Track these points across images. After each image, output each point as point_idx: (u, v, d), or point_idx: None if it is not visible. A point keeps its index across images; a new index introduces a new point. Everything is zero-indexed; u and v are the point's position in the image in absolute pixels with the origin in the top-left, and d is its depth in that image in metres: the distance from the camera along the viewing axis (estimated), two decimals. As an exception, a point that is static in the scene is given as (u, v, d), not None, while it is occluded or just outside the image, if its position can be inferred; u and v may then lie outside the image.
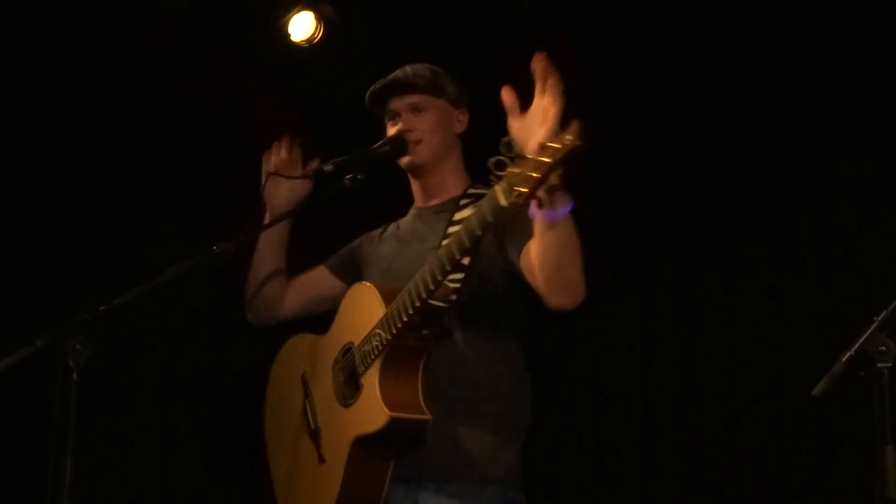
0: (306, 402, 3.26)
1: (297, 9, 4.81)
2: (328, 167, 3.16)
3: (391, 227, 3.35)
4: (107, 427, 4.97)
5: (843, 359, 2.70)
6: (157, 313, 4.94)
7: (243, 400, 4.99)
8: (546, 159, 2.38)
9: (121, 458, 5.11)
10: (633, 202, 4.86)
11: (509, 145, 2.48)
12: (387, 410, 2.87)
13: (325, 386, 3.17)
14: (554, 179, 2.40)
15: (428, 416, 2.89)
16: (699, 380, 4.73)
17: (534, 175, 2.38)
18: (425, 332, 2.93)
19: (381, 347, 2.94)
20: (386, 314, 2.94)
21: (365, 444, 2.95)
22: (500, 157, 2.46)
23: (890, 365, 2.69)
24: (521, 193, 2.40)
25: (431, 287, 2.84)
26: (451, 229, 3.06)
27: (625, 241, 4.86)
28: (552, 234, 2.62)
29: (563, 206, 2.55)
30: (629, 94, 4.81)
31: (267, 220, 3.34)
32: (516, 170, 2.42)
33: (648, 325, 4.88)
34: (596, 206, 4.83)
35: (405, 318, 2.88)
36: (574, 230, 2.63)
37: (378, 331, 2.95)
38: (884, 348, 2.69)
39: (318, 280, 3.43)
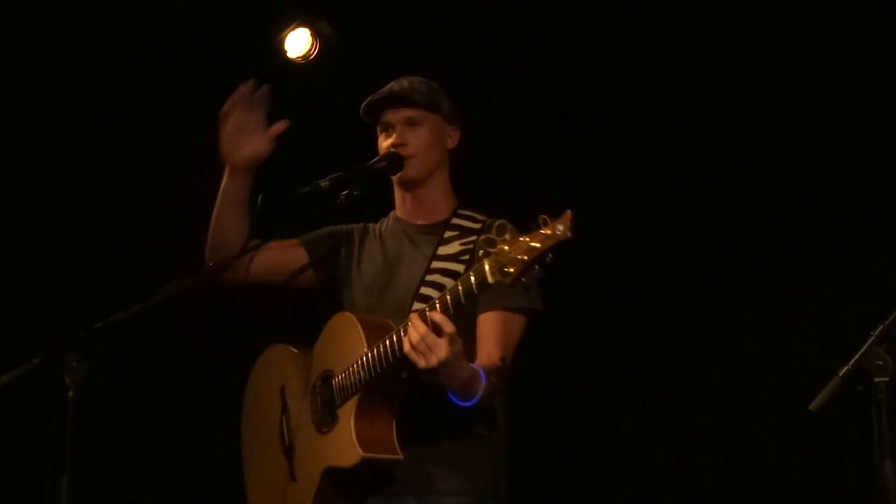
0: (283, 416, 3.27)
1: (293, 26, 4.82)
2: (325, 183, 3.15)
3: (371, 231, 3.35)
4: (104, 445, 4.96)
5: (841, 373, 2.70)
6: (154, 330, 4.92)
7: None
8: (536, 245, 2.53)
9: (118, 476, 5.10)
10: (637, 208, 4.86)
11: (501, 227, 2.64)
12: (360, 450, 2.91)
13: (303, 407, 3.20)
14: (538, 267, 2.56)
15: (399, 457, 2.94)
16: (699, 394, 4.72)
17: (523, 258, 2.55)
18: (404, 374, 2.94)
19: (359, 385, 2.98)
20: (369, 355, 2.96)
21: (335, 476, 3.00)
22: (491, 236, 2.61)
23: (887, 379, 2.69)
24: (507, 274, 2.57)
25: None
26: (436, 264, 3.12)
27: (627, 252, 4.86)
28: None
29: (468, 401, 2.88)
30: (626, 98, 4.83)
31: (225, 178, 3.24)
32: (506, 248, 2.57)
33: (648, 340, 4.87)
34: (601, 209, 4.88)
35: (385, 365, 2.91)
36: (484, 398, 2.91)
37: (359, 370, 2.98)
38: (881, 363, 2.69)
39: (284, 246, 3.30)
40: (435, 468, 3.03)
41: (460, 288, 2.73)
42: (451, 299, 2.76)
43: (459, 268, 3.07)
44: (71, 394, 2.65)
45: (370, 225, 3.37)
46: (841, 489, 4.30)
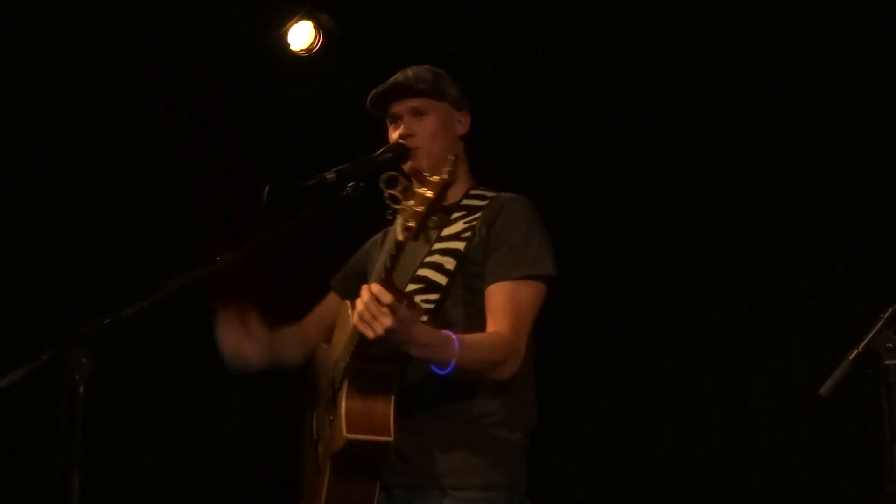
0: (314, 412, 3.30)
1: (296, 18, 4.82)
2: (330, 176, 3.14)
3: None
4: (113, 440, 4.97)
5: (851, 357, 2.70)
6: (162, 325, 4.93)
7: (249, 412, 5.01)
8: (430, 194, 2.59)
9: (127, 472, 5.11)
10: (636, 198, 4.86)
11: (392, 180, 2.69)
12: (345, 433, 2.89)
13: (323, 398, 3.22)
14: (437, 213, 2.62)
15: (389, 439, 2.89)
16: (705, 378, 4.73)
17: (419, 210, 2.59)
18: (388, 353, 2.92)
19: (347, 369, 2.97)
20: (349, 336, 2.97)
21: (338, 461, 2.98)
22: (393, 192, 2.67)
23: (897, 362, 2.69)
24: (410, 228, 2.61)
25: None
26: (437, 245, 3.10)
27: (626, 237, 4.87)
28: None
29: (444, 368, 2.84)
30: (627, 104, 4.83)
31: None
32: (410, 202, 2.62)
33: (653, 323, 4.87)
34: (601, 206, 4.88)
35: (357, 343, 2.90)
36: (468, 368, 2.88)
37: (344, 353, 3.00)
38: (891, 345, 2.69)
39: (331, 306, 3.43)
40: (459, 460, 2.99)
41: (385, 254, 2.76)
42: (382, 268, 2.79)
43: (460, 245, 3.05)
44: (80, 389, 2.65)
45: (390, 228, 3.38)
46: (848, 472, 4.30)
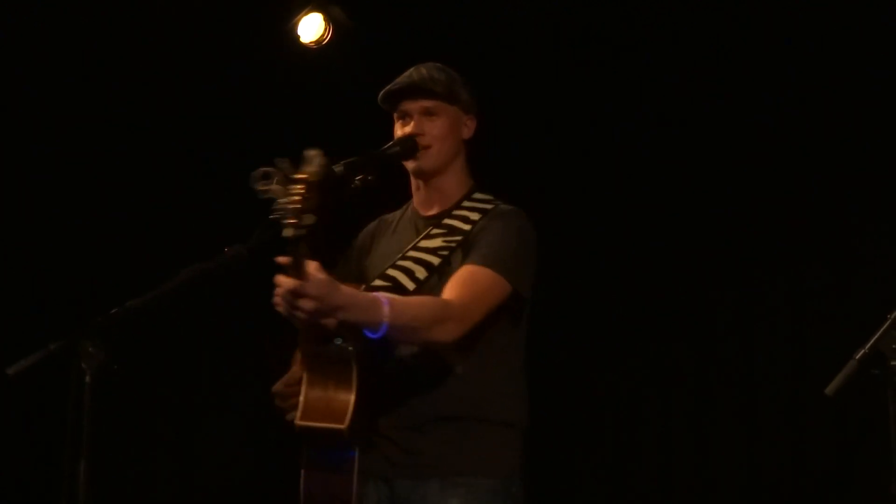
0: None
1: (306, 10, 4.82)
2: (338, 168, 3.15)
3: (386, 224, 3.35)
4: (121, 430, 4.98)
5: (857, 357, 2.70)
6: (170, 316, 4.95)
7: (258, 402, 5.02)
8: (296, 197, 2.58)
9: (135, 462, 5.12)
10: (650, 197, 4.86)
11: (265, 175, 2.67)
12: (297, 419, 2.89)
13: None
14: (312, 204, 2.59)
15: (341, 426, 2.85)
16: (715, 378, 4.72)
17: (291, 207, 2.59)
18: (338, 341, 2.89)
19: (303, 355, 2.98)
20: None
21: (305, 449, 2.97)
22: (269, 188, 2.63)
23: (904, 362, 2.68)
24: (289, 224, 2.60)
25: None
26: (412, 253, 3.12)
27: (639, 236, 4.86)
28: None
29: (376, 331, 2.80)
30: (638, 99, 4.83)
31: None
32: (290, 198, 2.60)
33: (664, 322, 4.87)
34: (609, 201, 4.89)
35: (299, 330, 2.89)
36: (402, 328, 2.85)
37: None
38: (897, 346, 2.69)
39: None
40: (461, 452, 3.05)
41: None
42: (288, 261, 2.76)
43: (434, 260, 3.08)
44: (88, 379, 2.66)
45: (386, 217, 3.38)
46: (855, 474, 4.30)
